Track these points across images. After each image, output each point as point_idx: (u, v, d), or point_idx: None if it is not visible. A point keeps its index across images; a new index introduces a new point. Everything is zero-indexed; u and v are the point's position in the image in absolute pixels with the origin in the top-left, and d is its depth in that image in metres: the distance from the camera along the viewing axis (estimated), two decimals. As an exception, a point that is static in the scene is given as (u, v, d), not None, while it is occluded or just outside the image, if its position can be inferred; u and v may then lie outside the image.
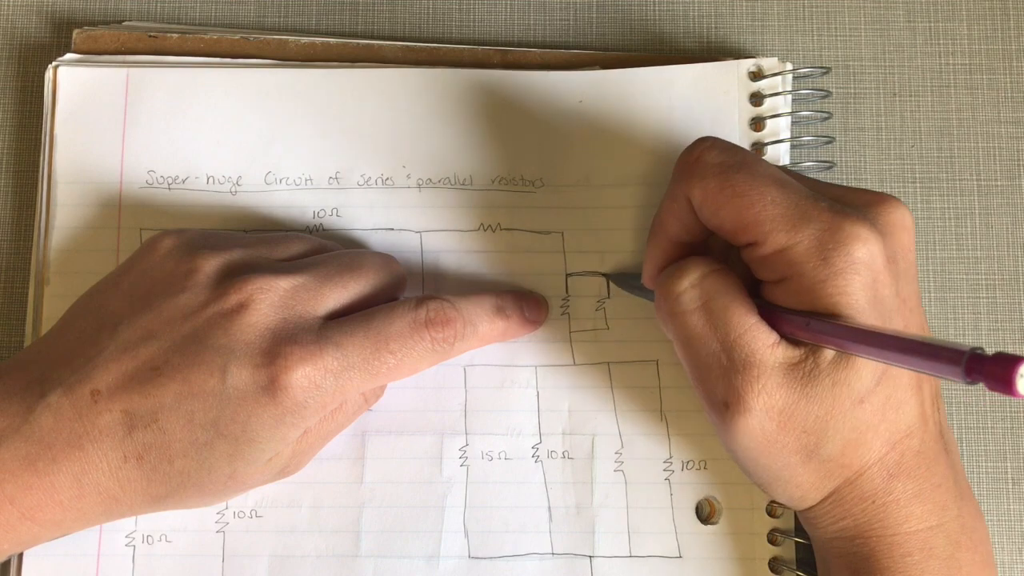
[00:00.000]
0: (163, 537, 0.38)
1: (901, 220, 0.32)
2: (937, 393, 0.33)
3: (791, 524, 0.38)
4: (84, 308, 0.35)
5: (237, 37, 0.42)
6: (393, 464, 0.38)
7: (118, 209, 0.40)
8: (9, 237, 0.41)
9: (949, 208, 0.41)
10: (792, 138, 0.40)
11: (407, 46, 0.42)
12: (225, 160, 0.40)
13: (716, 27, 0.43)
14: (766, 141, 0.40)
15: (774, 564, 0.37)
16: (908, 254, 0.32)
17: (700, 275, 0.33)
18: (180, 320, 0.33)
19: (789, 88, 0.40)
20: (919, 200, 0.41)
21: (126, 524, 0.38)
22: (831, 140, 0.41)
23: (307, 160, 0.40)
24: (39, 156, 0.41)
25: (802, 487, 0.32)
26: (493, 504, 0.38)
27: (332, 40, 0.42)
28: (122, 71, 0.41)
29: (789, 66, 0.40)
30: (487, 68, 0.41)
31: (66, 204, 0.40)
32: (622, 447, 0.38)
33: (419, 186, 0.40)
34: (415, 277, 0.40)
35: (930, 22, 0.42)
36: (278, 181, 0.40)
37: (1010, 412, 0.40)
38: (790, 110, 0.40)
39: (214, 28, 0.43)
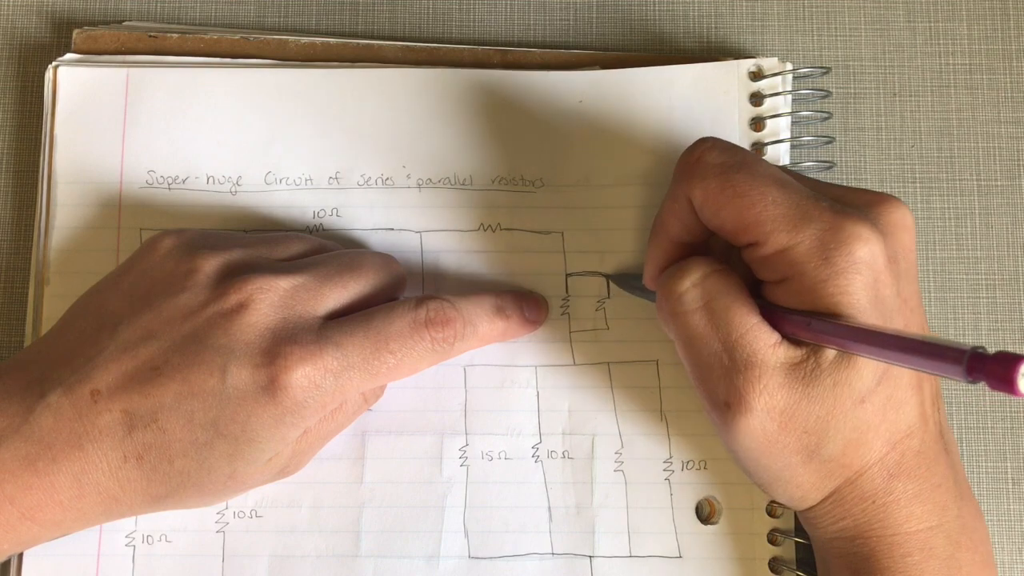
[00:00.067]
0: (163, 537, 0.38)
1: (902, 220, 0.32)
2: (937, 393, 0.33)
3: (791, 524, 0.38)
4: (84, 308, 0.35)
5: (237, 37, 0.42)
6: (393, 464, 0.38)
7: (118, 209, 0.40)
8: (9, 237, 0.41)
9: (949, 208, 0.41)
10: (792, 138, 0.40)
11: (407, 46, 0.42)
12: (225, 160, 0.40)
13: (716, 27, 0.43)
14: (766, 141, 0.40)
15: (774, 564, 0.37)
16: (909, 254, 0.32)
17: (701, 275, 0.33)
18: (180, 320, 0.33)
19: (789, 88, 0.40)
20: (919, 200, 0.41)
21: (126, 524, 0.38)
22: (831, 140, 0.41)
23: (307, 160, 0.40)
24: (39, 156, 0.41)
25: (803, 487, 0.32)
26: (493, 504, 0.38)
27: (332, 40, 0.42)
28: (122, 71, 0.41)
29: (789, 66, 0.40)
30: (487, 68, 0.41)
31: (66, 204, 0.40)
32: (622, 447, 0.38)
33: (419, 186, 0.40)
34: (415, 277, 0.40)
35: (930, 22, 0.42)
36: (278, 181, 0.40)
37: (1010, 412, 0.40)
38: (790, 110, 0.40)
39: (214, 28, 0.43)
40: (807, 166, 0.40)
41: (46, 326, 0.39)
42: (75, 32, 0.41)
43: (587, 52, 0.42)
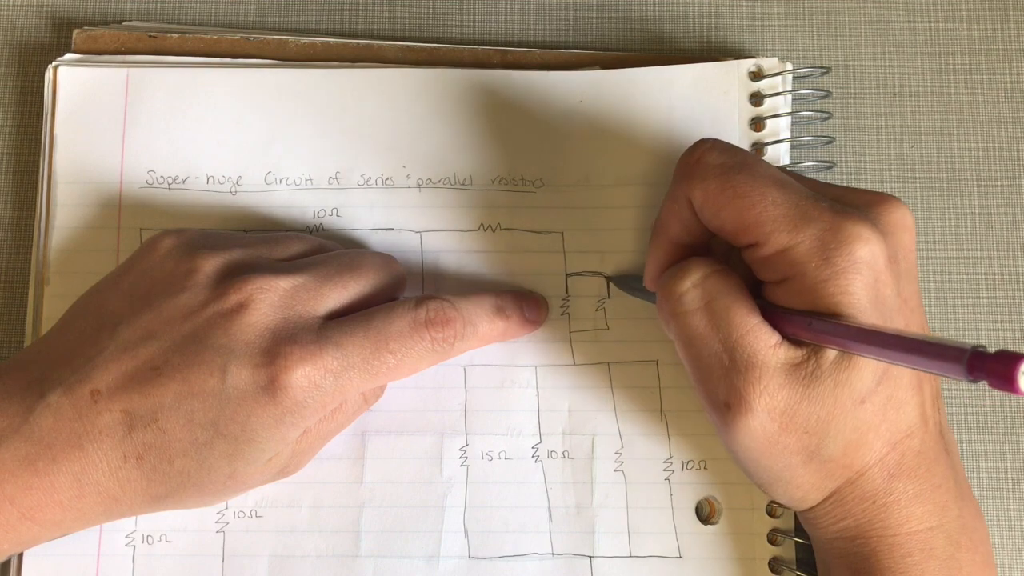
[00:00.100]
0: (163, 537, 0.38)
1: (902, 220, 0.32)
2: (937, 393, 0.33)
3: (791, 524, 0.38)
4: (84, 308, 0.35)
5: (237, 37, 0.42)
6: (393, 464, 0.38)
7: (118, 209, 0.40)
8: (9, 237, 0.41)
9: (949, 208, 0.41)
10: (792, 138, 0.40)
11: (407, 46, 0.42)
12: (225, 160, 0.40)
13: (716, 27, 0.43)
14: (766, 141, 0.40)
15: (774, 564, 0.37)
16: (909, 254, 0.32)
17: (702, 275, 0.33)
18: (180, 320, 0.33)
19: (789, 88, 0.40)
20: (919, 200, 0.41)
21: (126, 524, 0.38)
22: (831, 140, 0.41)
23: (307, 160, 0.40)
24: (39, 156, 0.41)
25: (803, 488, 0.32)
26: (493, 504, 0.38)
27: (332, 40, 0.42)
28: (122, 71, 0.41)
29: (789, 66, 0.40)
30: (487, 68, 0.41)
31: (66, 204, 0.40)
32: (622, 447, 0.38)
33: (419, 186, 0.40)
34: (415, 277, 0.40)
35: (930, 22, 0.42)
36: (278, 181, 0.40)
37: (1010, 412, 0.40)
38: (790, 110, 0.40)
39: (214, 28, 0.43)
40: (807, 166, 0.40)
41: (46, 326, 0.39)
42: (75, 32, 0.41)
43: (587, 52, 0.42)
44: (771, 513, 0.38)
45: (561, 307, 0.39)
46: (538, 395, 0.39)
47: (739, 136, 0.40)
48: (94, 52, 0.41)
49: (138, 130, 0.40)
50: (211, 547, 0.38)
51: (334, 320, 0.34)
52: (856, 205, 0.32)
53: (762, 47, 0.42)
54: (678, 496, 0.38)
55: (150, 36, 0.41)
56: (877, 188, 0.41)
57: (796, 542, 0.37)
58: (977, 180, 0.41)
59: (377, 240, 0.40)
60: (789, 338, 0.31)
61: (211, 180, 0.40)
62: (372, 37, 0.43)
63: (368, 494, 0.38)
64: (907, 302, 0.32)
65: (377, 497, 0.38)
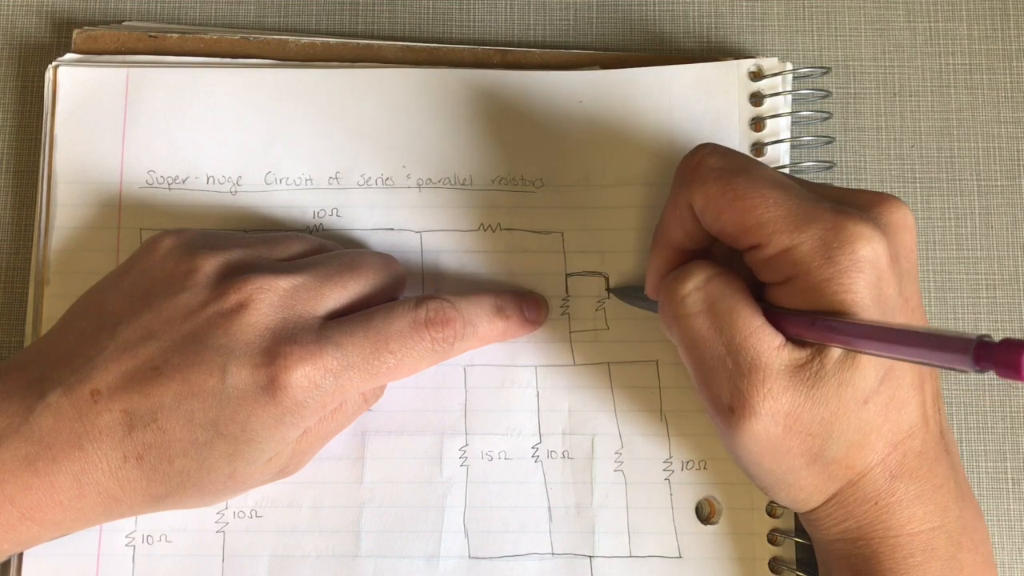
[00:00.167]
0: (163, 537, 0.38)
1: (903, 220, 0.32)
2: (938, 394, 0.33)
3: (791, 524, 0.38)
4: (84, 308, 0.35)
5: (237, 37, 0.42)
6: (393, 464, 0.38)
7: (118, 209, 0.40)
8: (9, 237, 0.41)
9: (949, 208, 0.41)
10: (792, 138, 0.40)
11: (407, 46, 0.42)
12: (225, 160, 0.40)
13: (716, 27, 0.43)
14: (766, 141, 0.40)
15: (774, 564, 0.37)
16: (910, 254, 0.32)
17: (704, 278, 0.33)
18: (180, 320, 0.33)
19: (789, 88, 0.40)
20: (919, 200, 0.41)
21: (126, 524, 0.38)
22: (831, 140, 0.41)
23: (307, 160, 0.40)
24: (39, 156, 0.41)
25: (806, 490, 0.32)
26: (493, 504, 0.38)
27: (332, 40, 0.42)
28: (122, 71, 0.41)
29: (789, 66, 0.40)
30: (487, 68, 0.41)
31: (66, 204, 0.40)
32: (622, 447, 0.38)
33: (419, 186, 0.40)
34: (415, 277, 0.40)
35: (930, 22, 0.42)
36: (278, 181, 0.40)
37: (1010, 412, 0.40)
38: (790, 110, 0.40)
39: (214, 28, 0.43)
40: (807, 166, 0.40)
41: (46, 326, 0.39)
42: (75, 32, 0.41)
43: (587, 52, 0.42)
44: (771, 513, 0.38)
45: (561, 307, 0.39)
46: (538, 395, 0.39)
47: (739, 136, 0.40)
48: (94, 52, 0.41)
49: (138, 130, 0.40)
50: (211, 547, 0.38)
51: (334, 320, 0.34)
52: (857, 205, 0.31)
53: (762, 47, 0.42)
54: (678, 496, 0.38)
55: (150, 36, 0.41)
56: (877, 188, 0.41)
57: (796, 542, 0.37)
58: (977, 180, 0.41)
59: (377, 240, 0.40)
60: (792, 339, 0.31)
61: (211, 180, 0.40)
62: (372, 37, 0.43)
63: (368, 494, 0.38)
64: (908, 301, 0.32)
65: (377, 497, 0.38)
